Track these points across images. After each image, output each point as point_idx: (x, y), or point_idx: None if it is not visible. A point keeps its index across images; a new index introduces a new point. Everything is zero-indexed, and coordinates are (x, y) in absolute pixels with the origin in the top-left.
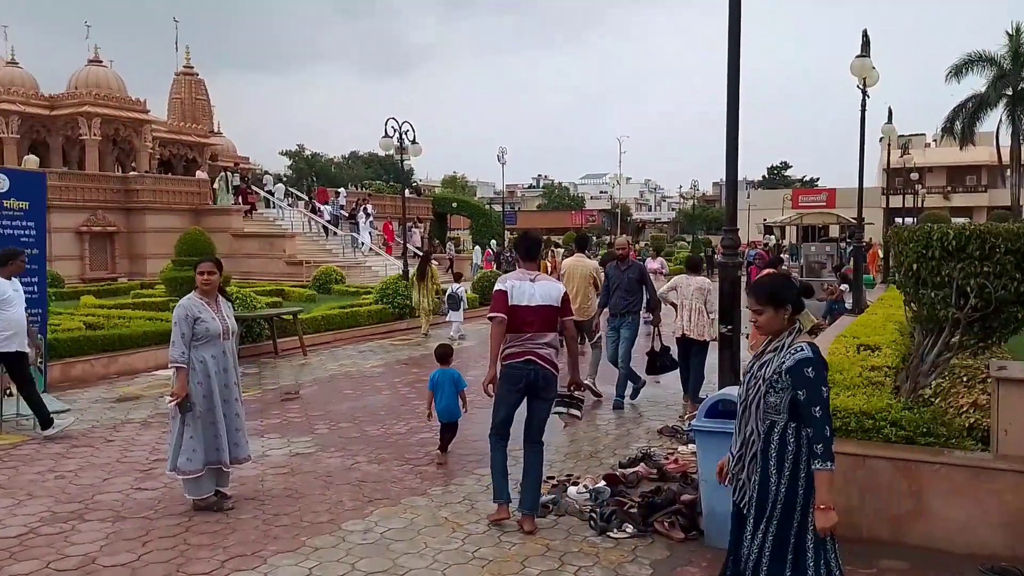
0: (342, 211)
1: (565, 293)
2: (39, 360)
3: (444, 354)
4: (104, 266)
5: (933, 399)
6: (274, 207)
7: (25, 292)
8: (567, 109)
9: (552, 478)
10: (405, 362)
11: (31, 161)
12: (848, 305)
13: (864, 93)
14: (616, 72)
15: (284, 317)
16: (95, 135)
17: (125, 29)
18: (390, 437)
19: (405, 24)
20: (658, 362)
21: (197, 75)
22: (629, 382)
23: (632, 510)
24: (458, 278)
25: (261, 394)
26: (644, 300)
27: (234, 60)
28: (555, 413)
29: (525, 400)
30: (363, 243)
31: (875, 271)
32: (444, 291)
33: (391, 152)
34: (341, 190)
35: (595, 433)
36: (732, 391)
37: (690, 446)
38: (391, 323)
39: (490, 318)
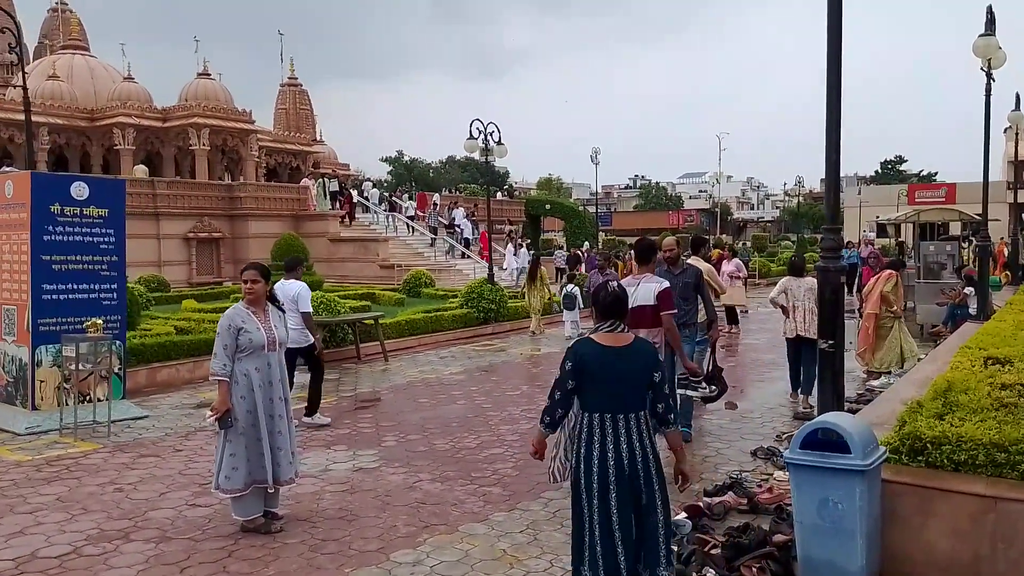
0: (440, 217)
1: (664, 290)
2: (118, 367)
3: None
4: (210, 271)
5: None
6: (370, 212)
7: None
8: (665, 108)
9: None
10: (486, 369)
11: (140, 171)
12: (972, 310)
13: (989, 76)
14: (716, 69)
15: (366, 322)
16: (204, 145)
17: (234, 44)
18: (458, 452)
19: (500, 28)
20: (700, 383)
21: (301, 86)
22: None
23: (715, 551)
24: (572, 279)
25: (337, 401)
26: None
27: (335, 70)
28: (684, 396)
29: None
30: (465, 241)
31: (1001, 272)
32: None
33: (475, 154)
34: (436, 196)
35: None
36: (835, 418)
37: (787, 472)
38: (476, 327)
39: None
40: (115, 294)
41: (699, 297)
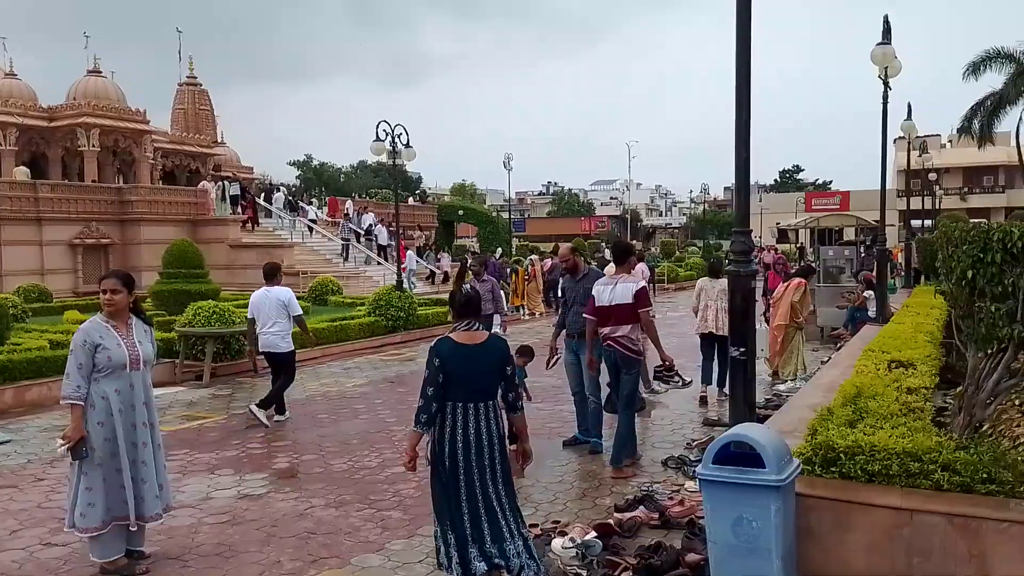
0: (350, 224)
1: (640, 289)
2: None
3: (526, 351)
4: (98, 279)
5: (989, 434)
6: (273, 216)
7: None
8: (579, 118)
9: (536, 525)
10: (392, 380)
11: (20, 172)
12: (872, 313)
13: (886, 84)
14: (629, 80)
15: None
16: (94, 146)
17: (130, 43)
18: (357, 472)
19: (416, 34)
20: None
21: (200, 85)
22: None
23: (626, 574)
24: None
25: (226, 419)
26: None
27: (242, 72)
28: (655, 390)
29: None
30: (380, 248)
31: (895, 275)
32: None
33: (382, 157)
34: (348, 202)
35: (591, 465)
36: (748, 430)
37: (699, 484)
38: (384, 336)
39: (585, 317)
40: None
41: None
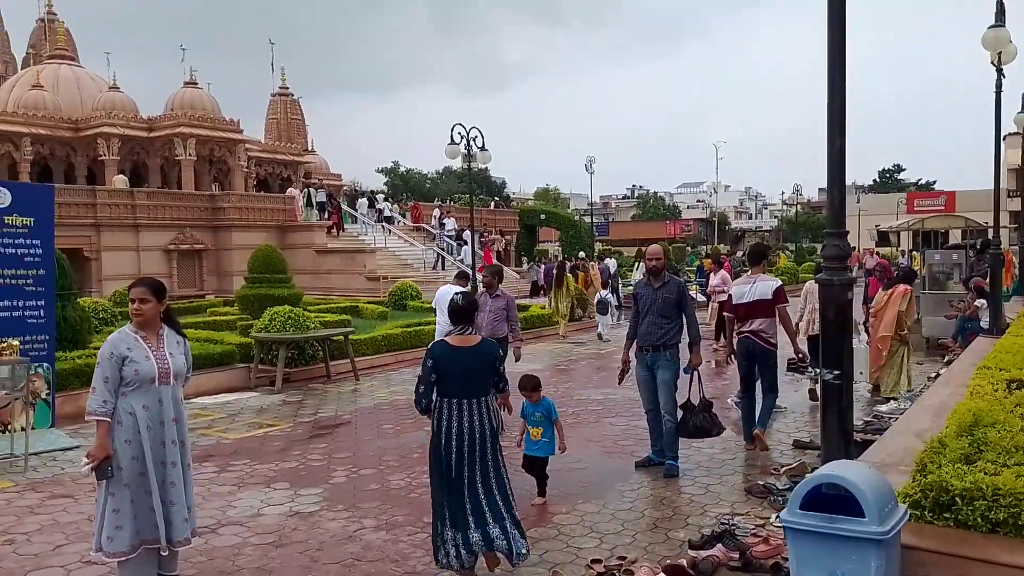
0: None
1: (779, 287)
2: (46, 392)
3: (534, 386)
4: (192, 283)
5: None
6: (358, 222)
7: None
8: (665, 119)
9: (599, 562)
10: None
11: (120, 181)
12: (984, 324)
13: (999, 71)
14: (717, 79)
15: (336, 339)
16: (190, 155)
17: (226, 54)
18: (413, 491)
19: (498, 40)
20: (692, 422)
21: (292, 95)
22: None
23: None
24: (605, 286)
25: (291, 428)
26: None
27: (330, 81)
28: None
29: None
30: (451, 255)
31: (1009, 283)
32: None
33: (457, 160)
34: (436, 210)
35: (665, 491)
36: (843, 470)
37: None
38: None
39: (724, 313)
40: (41, 311)
41: (683, 316)
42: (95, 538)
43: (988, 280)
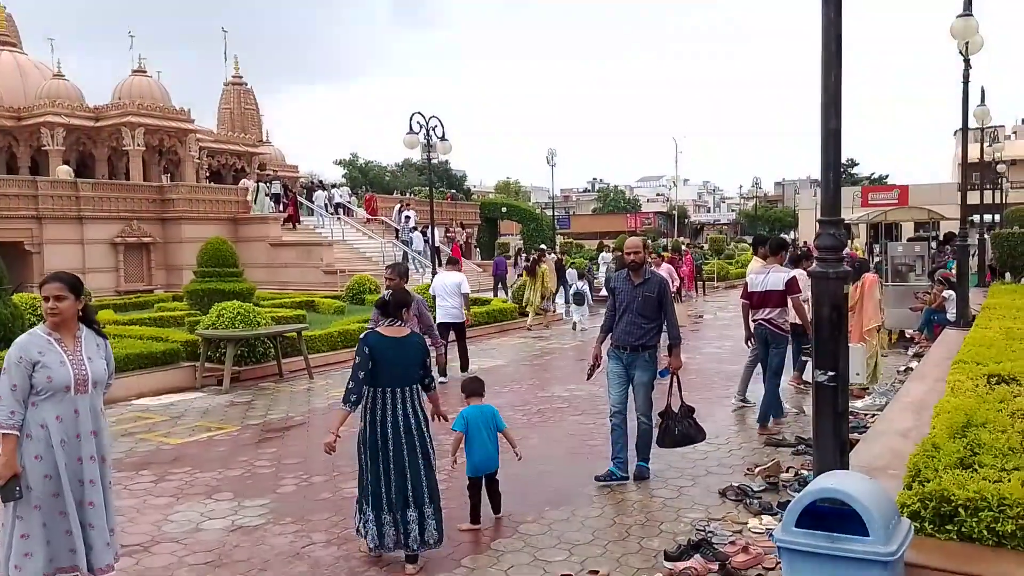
0: (389, 221)
1: (792, 278)
2: None
3: (475, 390)
4: (140, 278)
5: None
6: (315, 215)
7: None
8: (624, 111)
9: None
10: None
11: (63, 171)
12: (951, 315)
13: (967, 61)
14: (676, 71)
15: (288, 335)
16: (139, 145)
17: (176, 44)
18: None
19: (459, 28)
20: (677, 429)
21: (246, 84)
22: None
23: None
24: (581, 276)
25: (239, 431)
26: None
27: (288, 72)
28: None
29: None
30: (415, 252)
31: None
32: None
33: (416, 150)
34: (403, 206)
35: (636, 495)
36: (842, 482)
37: (763, 519)
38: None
39: (741, 300)
40: None
41: (662, 313)
42: (1, 567)
43: (955, 272)
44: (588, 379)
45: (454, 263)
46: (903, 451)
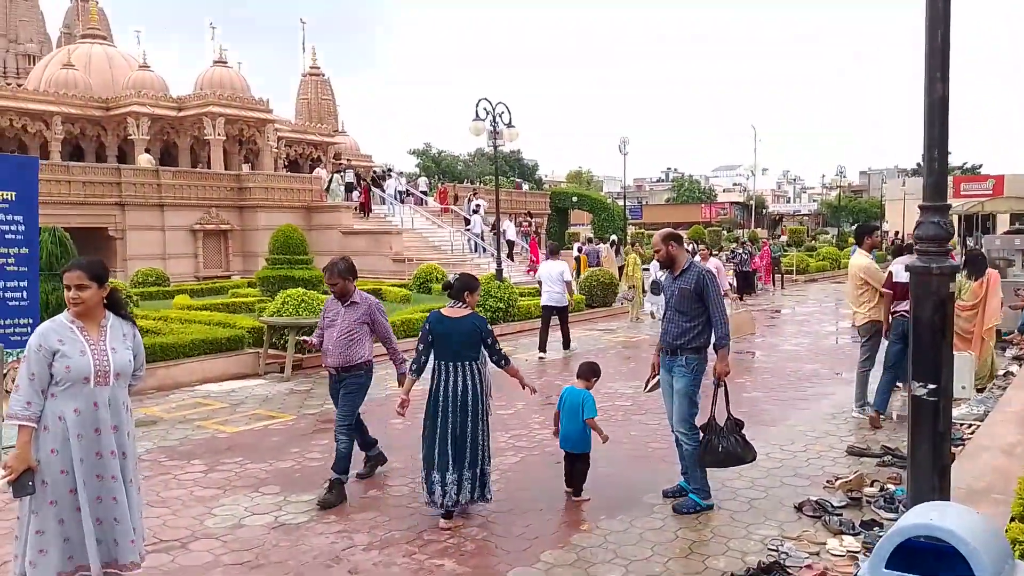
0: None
1: None
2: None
3: (582, 372)
4: (218, 264)
5: None
6: (385, 203)
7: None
8: (701, 101)
9: None
10: None
11: (145, 160)
12: None
13: None
14: (752, 62)
15: None
16: (219, 135)
17: (258, 34)
18: (415, 500)
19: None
20: (721, 445)
21: (323, 75)
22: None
23: None
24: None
25: (295, 421)
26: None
27: (363, 63)
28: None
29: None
30: (509, 244)
31: None
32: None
33: (481, 136)
34: (474, 197)
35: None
36: (942, 517)
37: (844, 540)
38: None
39: (883, 290)
40: (24, 292)
41: (706, 310)
42: (16, 563)
43: None
44: (645, 389)
45: (556, 252)
46: (1009, 471)
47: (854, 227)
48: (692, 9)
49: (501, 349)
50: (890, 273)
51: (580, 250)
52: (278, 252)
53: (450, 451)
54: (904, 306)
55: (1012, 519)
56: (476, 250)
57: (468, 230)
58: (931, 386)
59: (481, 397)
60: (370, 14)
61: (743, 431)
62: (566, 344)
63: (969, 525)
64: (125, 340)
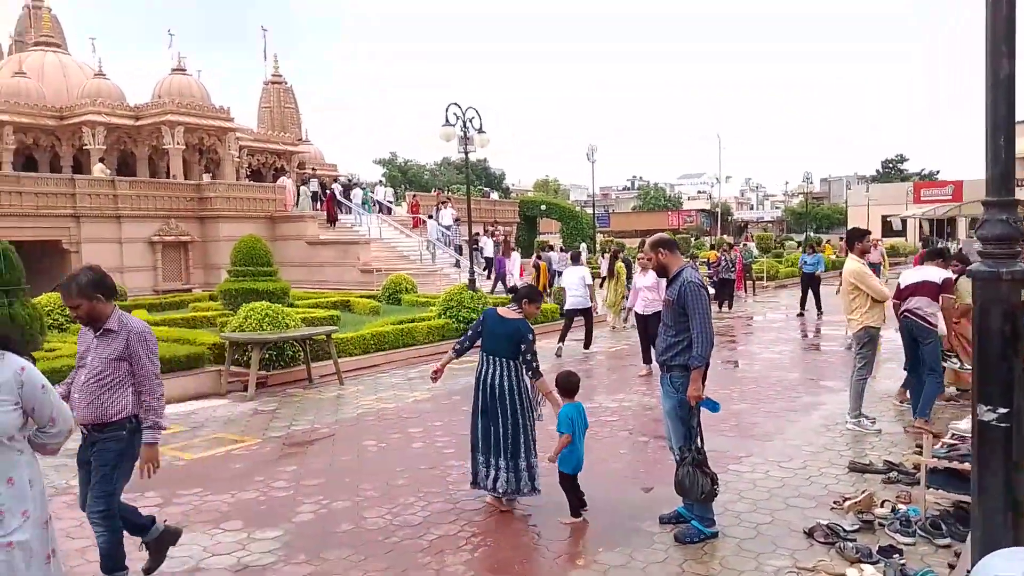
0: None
1: (948, 279)
2: None
3: (568, 388)
4: (178, 277)
5: None
6: (353, 213)
7: None
8: (664, 110)
9: None
10: (457, 394)
11: (99, 170)
12: None
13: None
14: (716, 71)
15: (317, 338)
16: (178, 144)
17: (218, 42)
18: (394, 532)
19: (495, 32)
20: (699, 483)
21: (285, 83)
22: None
23: None
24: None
25: (259, 445)
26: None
27: (329, 70)
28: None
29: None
30: (487, 261)
31: None
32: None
33: (452, 143)
34: (446, 207)
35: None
36: (1008, 563)
37: (864, 570)
38: (455, 340)
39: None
40: None
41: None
42: None
43: None
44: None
45: (577, 259)
46: None
47: (813, 233)
48: (653, 19)
49: (533, 360)
50: (898, 285)
51: (539, 257)
52: (241, 264)
53: (481, 435)
54: (912, 303)
55: None
56: (444, 255)
57: (441, 231)
58: (1001, 410)
59: (518, 392)
60: (329, 22)
61: (706, 465)
62: (587, 344)
63: None
64: (10, 390)
